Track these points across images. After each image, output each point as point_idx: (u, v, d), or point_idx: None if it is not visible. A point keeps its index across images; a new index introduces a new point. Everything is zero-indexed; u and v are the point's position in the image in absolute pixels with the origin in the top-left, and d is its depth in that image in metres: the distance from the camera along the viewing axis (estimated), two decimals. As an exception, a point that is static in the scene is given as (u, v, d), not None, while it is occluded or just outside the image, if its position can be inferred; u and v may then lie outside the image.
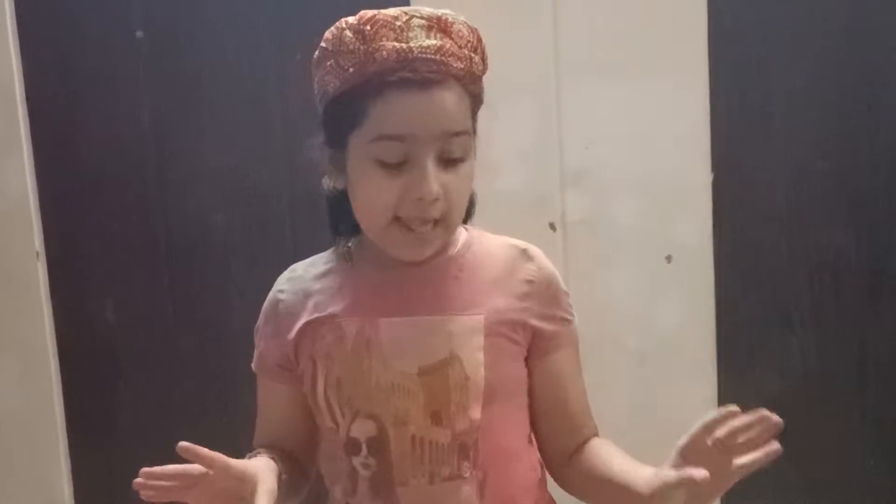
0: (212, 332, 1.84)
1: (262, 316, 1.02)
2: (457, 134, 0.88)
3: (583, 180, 1.72)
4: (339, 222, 1.00)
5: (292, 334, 0.97)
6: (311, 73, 0.93)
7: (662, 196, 1.71)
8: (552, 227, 1.72)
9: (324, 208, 1.00)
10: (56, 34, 1.81)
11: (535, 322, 0.96)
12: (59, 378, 1.86)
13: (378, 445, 0.92)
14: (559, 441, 0.99)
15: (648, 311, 1.74)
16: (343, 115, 0.90)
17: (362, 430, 0.93)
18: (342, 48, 0.88)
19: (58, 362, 1.85)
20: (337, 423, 0.94)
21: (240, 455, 0.89)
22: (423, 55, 0.86)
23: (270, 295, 1.02)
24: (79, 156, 1.83)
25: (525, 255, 0.99)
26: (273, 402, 1.03)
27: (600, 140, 1.71)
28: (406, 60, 0.85)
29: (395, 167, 0.87)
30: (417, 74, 0.85)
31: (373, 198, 0.90)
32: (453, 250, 0.98)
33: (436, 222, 0.90)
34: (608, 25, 1.68)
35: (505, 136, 1.66)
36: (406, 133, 0.86)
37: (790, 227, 1.73)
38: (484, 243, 1.00)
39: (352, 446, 0.94)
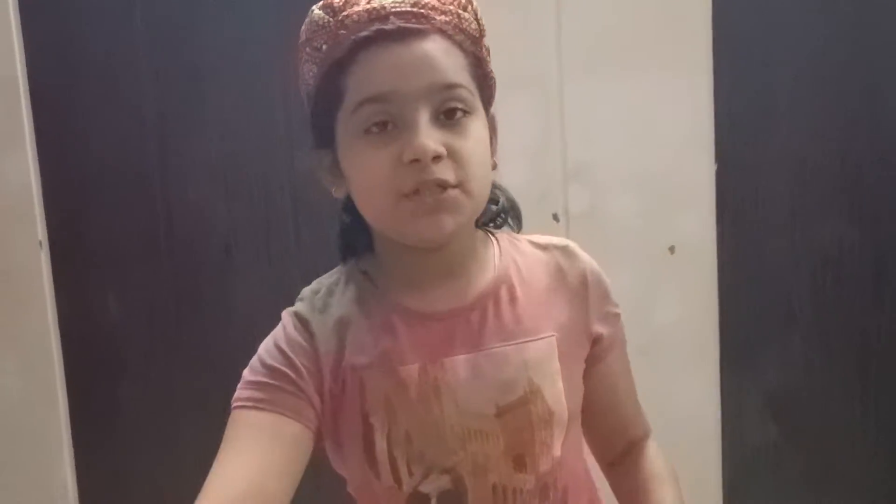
0: (214, 323, 1.84)
1: (283, 343, 0.80)
2: (451, 86, 0.74)
3: (586, 173, 1.72)
4: (351, 241, 0.86)
5: (327, 377, 0.79)
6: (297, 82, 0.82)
7: (666, 188, 1.70)
8: (555, 217, 1.71)
9: (333, 230, 0.86)
10: (59, 26, 1.80)
11: (596, 327, 0.86)
12: (62, 370, 1.86)
13: (452, 499, 0.80)
14: (609, 441, 0.93)
15: (651, 302, 1.73)
16: (326, 101, 0.77)
17: (434, 485, 0.80)
18: (313, 29, 0.79)
19: (61, 354, 1.85)
20: (400, 482, 0.79)
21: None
22: (397, 8, 0.74)
23: (293, 319, 0.82)
24: (82, 147, 1.83)
25: (567, 252, 0.87)
26: (263, 444, 0.75)
27: (604, 132, 1.71)
28: (379, 17, 0.74)
29: (384, 134, 0.73)
30: (393, 26, 0.73)
31: (368, 177, 0.75)
32: (493, 261, 0.85)
33: (452, 187, 0.74)
34: (611, 19, 1.68)
35: (508, 131, 1.64)
36: (387, 90, 0.73)
37: (793, 219, 1.73)
38: (520, 249, 0.87)
39: (417, 502, 0.80)
